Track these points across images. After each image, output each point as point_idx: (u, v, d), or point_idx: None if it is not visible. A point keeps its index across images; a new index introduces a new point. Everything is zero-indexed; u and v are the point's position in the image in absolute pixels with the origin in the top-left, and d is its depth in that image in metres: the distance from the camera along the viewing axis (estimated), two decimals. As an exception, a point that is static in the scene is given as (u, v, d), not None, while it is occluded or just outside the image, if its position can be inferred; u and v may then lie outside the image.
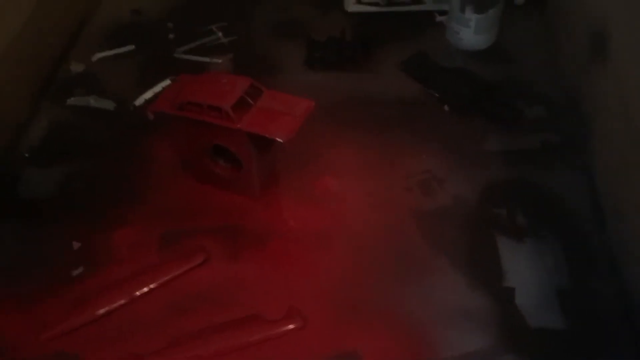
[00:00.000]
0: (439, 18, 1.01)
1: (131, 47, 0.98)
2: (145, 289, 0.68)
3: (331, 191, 0.78)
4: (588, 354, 0.63)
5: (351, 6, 1.03)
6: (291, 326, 0.64)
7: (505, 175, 0.79)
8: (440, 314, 0.66)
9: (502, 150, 0.81)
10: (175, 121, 0.73)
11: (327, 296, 0.68)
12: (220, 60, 0.96)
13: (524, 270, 0.69)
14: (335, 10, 1.04)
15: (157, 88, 0.91)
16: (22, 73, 0.87)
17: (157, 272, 0.69)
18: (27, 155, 0.83)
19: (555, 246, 0.71)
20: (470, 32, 0.93)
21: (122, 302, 0.67)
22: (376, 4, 1.03)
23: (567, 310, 0.65)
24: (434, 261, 0.70)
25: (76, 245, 0.72)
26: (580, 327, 0.64)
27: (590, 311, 0.66)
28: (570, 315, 0.65)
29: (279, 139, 0.67)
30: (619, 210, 0.70)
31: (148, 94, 0.90)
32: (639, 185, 0.66)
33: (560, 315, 0.65)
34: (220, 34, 1.00)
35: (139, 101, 0.89)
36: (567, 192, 0.76)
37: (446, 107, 0.87)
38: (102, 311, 0.66)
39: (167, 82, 0.91)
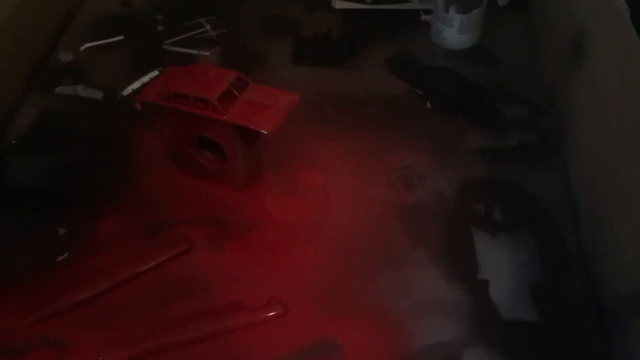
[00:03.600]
0: (424, 17, 1.03)
1: (120, 38, 0.99)
2: (129, 276, 0.69)
3: (314, 185, 0.80)
4: (558, 346, 0.65)
5: (337, 3, 1.05)
6: (272, 313, 0.66)
7: (483, 173, 0.81)
8: (417, 305, 0.67)
9: (481, 148, 0.84)
10: (162, 112, 0.74)
11: (307, 287, 0.69)
12: (207, 53, 0.97)
13: (498, 264, 0.71)
14: (322, 7, 1.06)
15: (145, 79, 0.92)
16: (11, 61, 0.87)
17: (141, 259, 0.70)
18: (14, 142, 0.84)
19: (529, 242, 0.73)
20: (454, 31, 0.95)
21: (106, 287, 0.68)
22: (362, 2, 1.04)
23: (539, 303, 0.67)
24: (412, 254, 0.72)
25: (62, 231, 0.73)
26: (551, 320, 0.66)
27: (562, 305, 0.68)
28: (542, 309, 0.67)
29: (263, 131, 0.69)
30: (592, 209, 0.72)
31: (136, 85, 0.91)
32: (611, 185, 0.68)
33: (532, 309, 0.67)
34: (208, 27, 1.01)
35: (127, 91, 0.90)
36: (544, 190, 0.79)
37: (428, 105, 0.89)
38: (85, 296, 0.67)
39: (155, 73, 0.93)
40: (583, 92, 0.78)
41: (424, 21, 1.03)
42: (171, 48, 0.98)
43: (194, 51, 0.97)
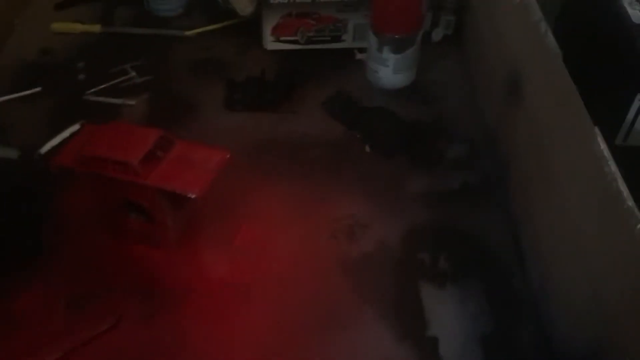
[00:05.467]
0: (358, 55, 1.01)
1: (37, 89, 0.93)
2: (51, 359, 0.63)
3: (253, 241, 0.76)
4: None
5: (270, 44, 1.01)
6: (210, 392, 0.61)
7: (427, 218, 0.78)
8: (366, 368, 0.64)
9: (423, 192, 0.81)
10: (82, 176, 0.68)
11: (250, 354, 0.65)
12: (133, 102, 0.92)
13: (447, 318, 0.68)
14: (255, 48, 1.02)
15: (66, 134, 0.85)
16: None
17: (62, 339, 0.64)
18: None
19: (477, 291, 0.70)
20: (389, 71, 0.93)
21: (25, 375, 0.62)
22: (295, 42, 1.01)
23: (490, 357, 0.65)
24: (358, 312, 0.68)
25: (-28, 315, 0.66)
26: (504, 374, 0.64)
27: (513, 357, 0.66)
28: (494, 363, 0.65)
29: (190, 195, 0.64)
30: (536, 252, 0.70)
31: (55, 141, 0.85)
32: (552, 226, 0.67)
33: (484, 363, 0.65)
34: (134, 73, 0.96)
35: (45, 148, 0.84)
36: (489, 234, 0.76)
37: (367, 148, 0.86)
38: (2, 387, 0.61)
39: (76, 127, 0.86)
40: (522, 132, 0.76)
41: (359, 60, 1.01)
42: (93, 98, 0.92)
43: (119, 101, 0.92)
